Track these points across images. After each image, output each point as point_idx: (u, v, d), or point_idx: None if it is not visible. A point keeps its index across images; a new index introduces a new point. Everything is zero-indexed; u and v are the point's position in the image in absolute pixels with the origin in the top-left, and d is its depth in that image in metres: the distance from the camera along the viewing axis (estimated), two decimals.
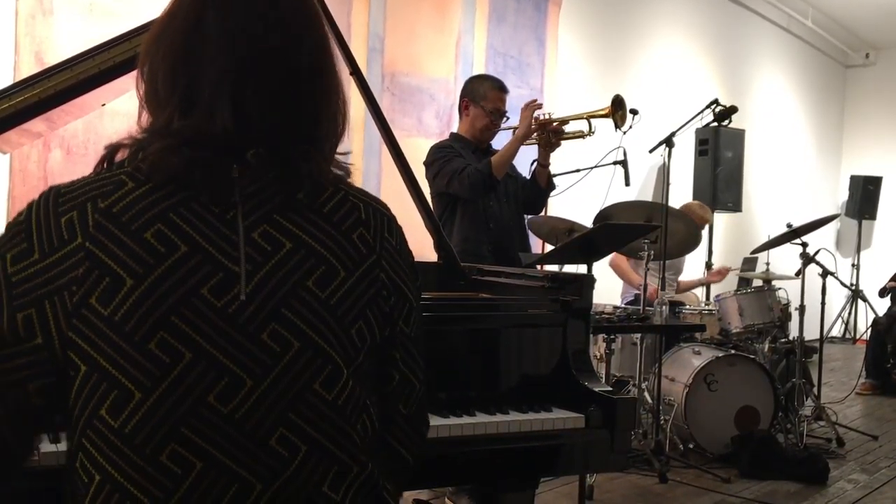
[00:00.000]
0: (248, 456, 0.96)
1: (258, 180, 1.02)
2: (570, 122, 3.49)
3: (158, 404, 0.94)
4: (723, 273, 5.76)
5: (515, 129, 3.59)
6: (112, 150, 1.04)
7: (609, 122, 3.46)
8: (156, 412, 0.93)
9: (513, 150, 3.37)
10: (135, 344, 0.94)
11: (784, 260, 5.82)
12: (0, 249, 0.98)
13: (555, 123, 3.42)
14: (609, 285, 5.43)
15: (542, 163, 3.51)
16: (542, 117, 3.42)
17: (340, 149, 1.13)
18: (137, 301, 0.94)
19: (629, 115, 3.52)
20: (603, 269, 5.35)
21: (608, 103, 3.47)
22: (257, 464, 0.96)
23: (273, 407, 0.98)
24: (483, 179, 3.31)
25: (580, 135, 3.46)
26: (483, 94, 3.50)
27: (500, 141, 3.69)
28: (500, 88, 3.52)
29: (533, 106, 3.39)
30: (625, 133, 3.50)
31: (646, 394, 4.18)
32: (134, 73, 1.89)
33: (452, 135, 3.66)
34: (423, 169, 3.42)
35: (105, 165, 1.04)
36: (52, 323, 0.95)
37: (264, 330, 0.99)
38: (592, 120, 3.46)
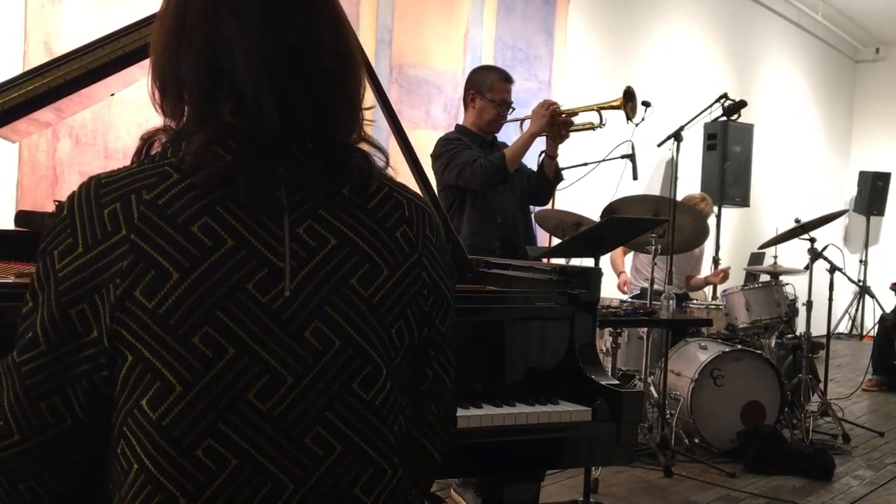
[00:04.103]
0: (283, 454, 0.96)
1: (304, 174, 1.01)
2: (580, 113, 3.47)
3: (198, 399, 0.93)
4: (724, 273, 5.63)
5: (522, 120, 3.58)
6: (147, 140, 1.03)
7: (617, 115, 3.44)
8: (195, 406, 0.93)
9: (526, 145, 3.38)
10: (179, 338, 0.93)
11: (792, 255, 5.80)
12: (48, 246, 0.97)
13: (564, 115, 3.41)
14: (616, 279, 5.42)
15: (551, 154, 3.49)
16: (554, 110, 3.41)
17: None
18: (183, 295, 0.93)
19: (641, 108, 3.51)
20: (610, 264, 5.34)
21: (618, 95, 3.46)
22: (291, 462, 0.96)
23: (311, 405, 0.97)
24: (497, 172, 3.30)
25: (590, 126, 3.45)
26: (489, 86, 3.48)
27: (506, 132, 3.68)
28: (505, 79, 3.50)
29: (552, 107, 3.38)
30: (637, 125, 3.49)
31: (651, 388, 4.17)
32: (143, 63, 1.90)
33: (458, 127, 3.64)
34: (430, 161, 3.42)
35: (143, 155, 1.02)
36: (102, 316, 0.94)
37: (307, 327, 0.98)
38: (603, 112, 3.45)
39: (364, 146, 1.09)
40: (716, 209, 6.87)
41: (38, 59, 3.33)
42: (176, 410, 0.93)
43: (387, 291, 1.03)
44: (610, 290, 5.14)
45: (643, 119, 3.51)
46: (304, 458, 0.96)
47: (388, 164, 1.12)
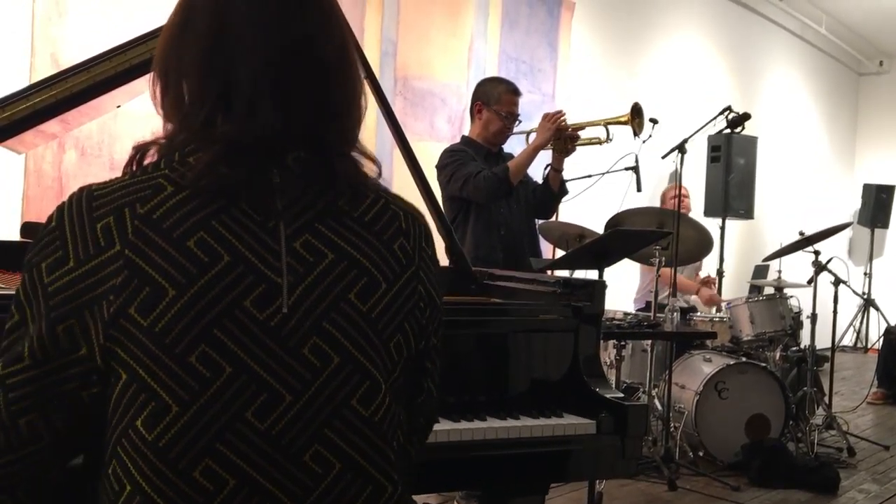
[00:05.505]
0: (282, 473, 0.94)
1: (299, 186, 1.00)
2: (587, 127, 3.48)
3: (195, 419, 0.91)
4: (709, 283, 5.61)
5: (528, 133, 3.59)
6: (140, 151, 1.01)
7: (623, 128, 3.45)
8: (192, 427, 0.91)
9: (530, 157, 3.39)
10: (175, 356, 0.91)
11: (796, 268, 5.78)
12: (35, 258, 0.95)
13: (571, 129, 3.41)
14: (620, 291, 5.41)
15: (556, 167, 3.50)
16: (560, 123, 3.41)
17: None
18: (179, 312, 0.91)
19: (648, 124, 3.52)
20: (613, 275, 5.32)
21: (624, 110, 3.47)
22: (290, 481, 0.94)
23: (310, 423, 0.96)
24: (500, 184, 3.31)
25: (596, 141, 3.46)
26: (497, 98, 3.49)
27: (511, 144, 3.69)
28: (513, 91, 3.51)
29: (557, 119, 3.39)
30: (644, 142, 3.50)
31: (656, 401, 4.16)
32: (150, 76, 1.90)
33: (464, 138, 3.66)
34: (434, 173, 3.42)
35: (135, 167, 1.00)
36: (93, 333, 0.92)
37: (305, 344, 0.96)
38: (609, 127, 3.46)
39: (357, 155, 1.07)
40: (719, 221, 6.87)
41: (44, 71, 3.34)
42: (172, 431, 0.91)
43: (385, 305, 1.02)
44: (614, 302, 5.13)
45: (650, 136, 3.52)
46: (303, 476, 0.95)
47: (380, 173, 1.10)
